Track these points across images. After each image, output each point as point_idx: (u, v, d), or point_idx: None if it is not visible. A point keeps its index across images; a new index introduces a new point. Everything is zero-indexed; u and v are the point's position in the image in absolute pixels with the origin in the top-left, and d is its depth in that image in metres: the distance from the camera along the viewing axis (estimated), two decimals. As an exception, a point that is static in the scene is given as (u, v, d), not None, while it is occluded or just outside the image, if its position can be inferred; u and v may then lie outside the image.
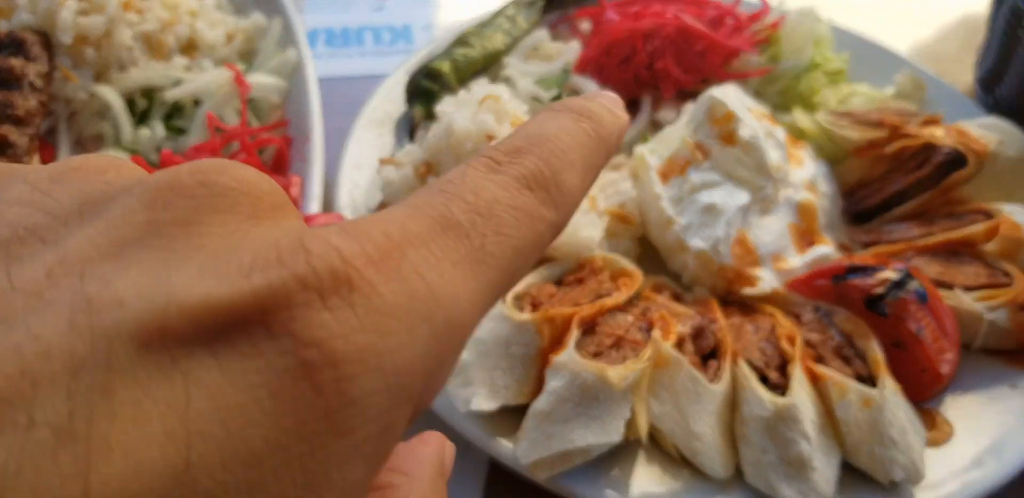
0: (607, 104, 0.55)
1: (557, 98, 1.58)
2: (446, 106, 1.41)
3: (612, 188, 1.39)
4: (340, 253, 0.35)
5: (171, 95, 1.51)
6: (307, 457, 0.33)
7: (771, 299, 1.28)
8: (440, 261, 0.39)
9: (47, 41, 1.51)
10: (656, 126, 1.61)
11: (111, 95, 1.52)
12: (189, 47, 1.66)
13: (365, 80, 1.89)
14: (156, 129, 1.50)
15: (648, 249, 1.39)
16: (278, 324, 0.33)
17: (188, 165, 0.38)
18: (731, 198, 1.30)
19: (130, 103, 1.55)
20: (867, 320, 1.19)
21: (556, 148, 0.48)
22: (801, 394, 1.09)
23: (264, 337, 0.32)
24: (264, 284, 0.33)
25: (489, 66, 1.73)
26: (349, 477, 0.34)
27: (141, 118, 1.55)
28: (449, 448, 0.53)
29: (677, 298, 1.28)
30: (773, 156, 1.33)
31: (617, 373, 1.05)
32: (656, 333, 1.12)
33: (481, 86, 1.51)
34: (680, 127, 1.43)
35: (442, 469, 0.51)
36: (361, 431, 0.34)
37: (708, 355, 1.17)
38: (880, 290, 1.18)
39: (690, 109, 1.44)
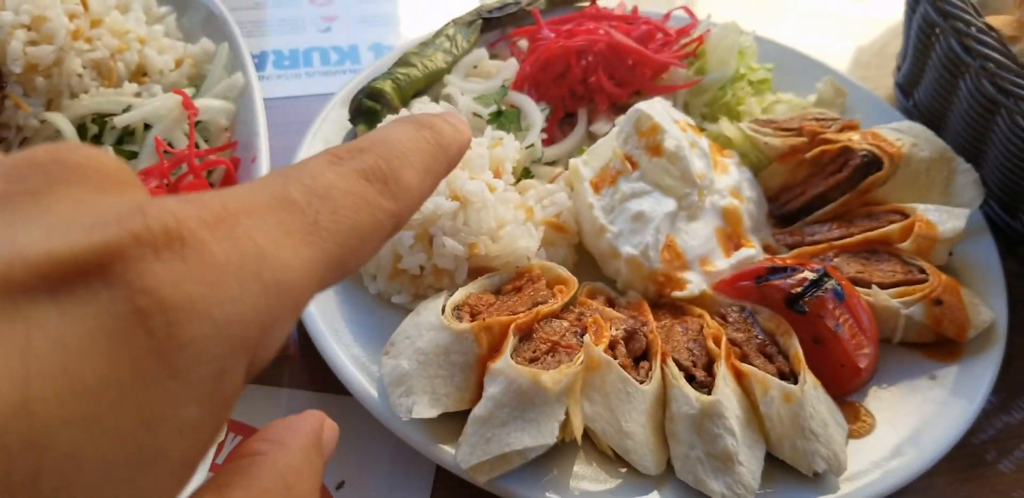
0: (450, 120, 0.60)
1: (496, 114, 1.60)
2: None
3: (548, 199, 1.41)
4: (175, 215, 0.38)
5: (120, 120, 1.51)
6: (142, 394, 0.35)
7: (699, 301, 1.30)
8: (274, 230, 0.42)
9: (-3, 71, 1.52)
10: (592, 138, 1.63)
11: (62, 122, 1.52)
12: (139, 73, 1.67)
13: (313, 99, 1.90)
14: (106, 154, 1.50)
15: (584, 256, 1.41)
16: (114, 275, 0.36)
17: (44, 145, 0.42)
18: (659, 205, 1.32)
19: (81, 129, 1.55)
20: (788, 318, 1.21)
21: (396, 149, 0.52)
22: (726, 391, 1.11)
23: (101, 286, 0.35)
24: (102, 240, 0.36)
25: (431, 85, 1.74)
26: (184, 415, 0.37)
27: (93, 143, 1.55)
28: (329, 426, 0.55)
29: (611, 302, 1.30)
30: (697, 165, 1.35)
31: (551, 377, 1.07)
32: (588, 337, 1.14)
33: (422, 104, 1.52)
34: (611, 139, 1.45)
35: (318, 444, 0.53)
36: (193, 373, 0.37)
37: (640, 357, 1.19)
38: (799, 289, 1.21)
39: (620, 122, 1.46)
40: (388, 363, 1.15)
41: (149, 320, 0.35)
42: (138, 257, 0.36)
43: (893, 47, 2.07)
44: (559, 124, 1.68)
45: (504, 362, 1.09)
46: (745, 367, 1.15)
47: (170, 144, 1.50)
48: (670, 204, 1.32)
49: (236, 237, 0.40)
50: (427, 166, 0.54)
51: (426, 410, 1.09)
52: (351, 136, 1.62)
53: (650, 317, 1.23)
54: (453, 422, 1.12)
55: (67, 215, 0.38)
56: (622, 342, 1.18)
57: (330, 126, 1.62)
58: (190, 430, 0.37)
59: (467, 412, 1.11)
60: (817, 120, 1.52)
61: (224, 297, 0.38)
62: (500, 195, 1.32)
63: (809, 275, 1.22)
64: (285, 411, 1.29)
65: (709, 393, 1.10)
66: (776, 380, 1.12)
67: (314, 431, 0.53)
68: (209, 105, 1.58)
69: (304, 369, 1.33)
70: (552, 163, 1.61)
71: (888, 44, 2.22)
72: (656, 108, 1.42)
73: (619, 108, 1.67)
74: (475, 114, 1.63)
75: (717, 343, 1.18)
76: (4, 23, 1.51)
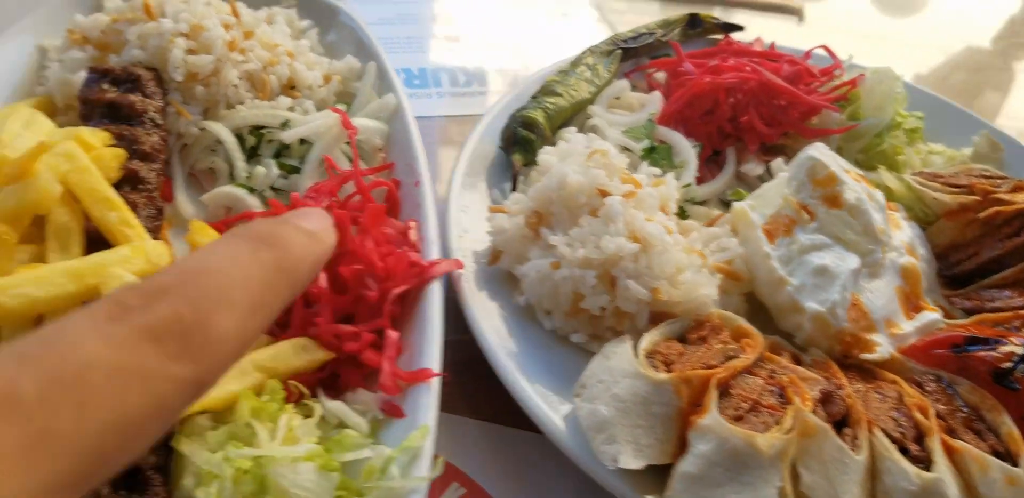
0: (309, 227, 0.50)
1: (650, 150, 1.55)
2: (549, 156, 1.38)
3: (716, 244, 1.36)
4: None
5: (288, 137, 1.48)
6: None
7: (886, 365, 1.25)
8: None
9: (159, 77, 1.47)
10: (741, 179, 1.59)
11: (223, 132, 1.49)
12: (288, 87, 1.63)
13: (443, 120, 1.86)
14: (270, 168, 1.47)
15: (754, 306, 1.36)
16: None
17: None
18: (842, 261, 1.27)
19: (239, 139, 1.51)
20: (994, 394, 1.16)
21: (213, 285, 0.42)
22: (943, 468, 1.05)
23: None
24: None
25: (576, 114, 1.70)
26: None
27: (250, 154, 1.52)
28: None
29: (796, 360, 1.25)
30: (877, 219, 1.30)
31: (766, 441, 1.02)
32: (797, 401, 1.08)
33: (575, 136, 1.46)
34: (778, 185, 1.40)
35: None
36: None
37: (839, 422, 1.14)
38: (1008, 364, 1.15)
39: (789, 168, 1.40)
40: (584, 407, 1.10)
41: None
42: None
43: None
44: (705, 162, 1.63)
45: (713, 419, 1.04)
46: (958, 444, 1.09)
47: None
48: (854, 260, 1.27)
49: None
50: (255, 301, 0.44)
51: (632, 461, 1.04)
52: (504, 164, 1.57)
53: (844, 379, 1.18)
54: (648, 472, 1.07)
55: None
56: (820, 405, 1.13)
57: (479, 151, 1.58)
58: None
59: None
60: (985, 177, 1.48)
61: None
62: (673, 237, 1.27)
63: (1017, 349, 1.16)
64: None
65: (926, 469, 1.05)
66: (996, 460, 1.07)
67: None
68: (364, 125, 1.54)
69: (462, 395, 1.28)
70: (701, 203, 1.56)
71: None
72: (828, 155, 1.37)
73: (766, 148, 1.62)
74: (624, 148, 1.58)
75: (924, 414, 1.12)
76: (165, 30, 1.47)
